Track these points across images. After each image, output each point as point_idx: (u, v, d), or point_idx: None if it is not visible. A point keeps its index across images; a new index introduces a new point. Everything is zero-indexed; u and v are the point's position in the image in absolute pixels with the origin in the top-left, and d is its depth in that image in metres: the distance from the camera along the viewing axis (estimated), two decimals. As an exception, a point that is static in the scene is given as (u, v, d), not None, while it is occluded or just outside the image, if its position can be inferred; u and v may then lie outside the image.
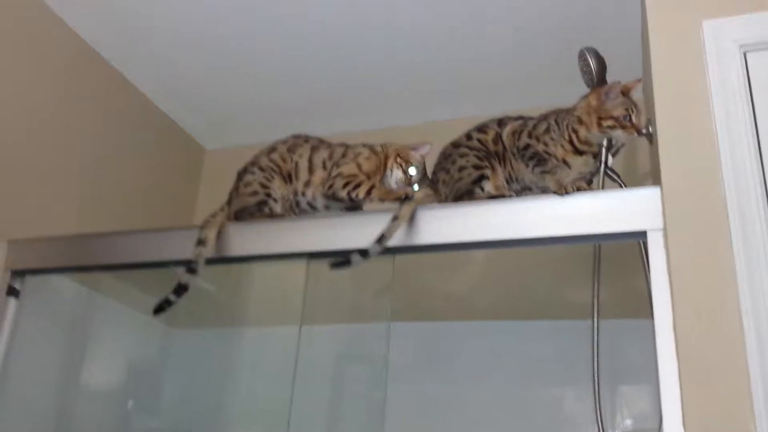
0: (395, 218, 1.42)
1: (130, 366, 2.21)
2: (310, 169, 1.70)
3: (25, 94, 1.94)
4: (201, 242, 1.57)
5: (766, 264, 1.15)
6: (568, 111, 1.52)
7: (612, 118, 1.44)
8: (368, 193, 1.58)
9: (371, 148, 1.69)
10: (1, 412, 1.70)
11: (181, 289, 1.52)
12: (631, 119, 1.43)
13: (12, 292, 1.76)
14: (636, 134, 1.45)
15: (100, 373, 2.09)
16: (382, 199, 1.56)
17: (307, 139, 1.76)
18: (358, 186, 1.60)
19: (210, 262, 1.63)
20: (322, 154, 1.71)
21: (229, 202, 1.71)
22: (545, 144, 1.50)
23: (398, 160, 1.63)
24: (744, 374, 1.10)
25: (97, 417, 2.05)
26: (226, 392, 2.20)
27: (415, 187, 1.62)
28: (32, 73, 1.97)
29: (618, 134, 1.46)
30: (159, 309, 1.52)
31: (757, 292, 1.14)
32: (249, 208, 1.66)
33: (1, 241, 1.78)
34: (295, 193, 1.69)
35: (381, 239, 1.40)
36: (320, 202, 1.68)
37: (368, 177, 1.62)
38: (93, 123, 2.19)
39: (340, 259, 1.41)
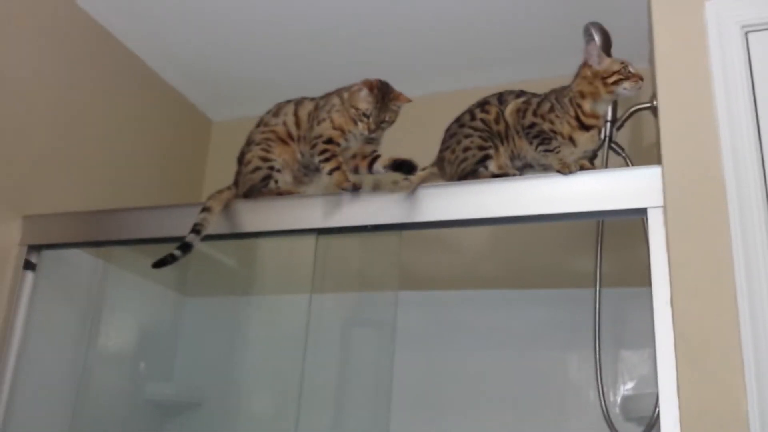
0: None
1: (144, 334, 2.28)
2: (298, 124, 1.71)
3: (34, 72, 1.95)
4: (206, 209, 1.61)
5: (762, 243, 1.19)
6: (566, 88, 1.54)
7: (615, 72, 1.48)
8: (330, 173, 1.58)
9: (339, 96, 1.66)
10: (22, 378, 1.76)
11: (185, 247, 1.54)
12: (629, 70, 1.47)
13: (29, 266, 1.82)
14: (641, 82, 1.48)
15: (116, 342, 2.15)
16: (335, 184, 1.57)
17: (290, 100, 1.77)
18: (327, 160, 1.59)
19: (221, 237, 1.68)
20: (308, 106, 1.72)
21: (236, 184, 1.73)
22: (551, 122, 1.51)
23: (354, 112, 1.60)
24: (737, 349, 1.15)
25: (114, 382, 2.13)
26: (239, 359, 2.26)
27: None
28: (40, 51, 1.98)
29: (626, 86, 1.47)
30: (160, 263, 1.52)
31: (753, 271, 1.18)
32: (255, 185, 1.68)
33: (17, 216, 1.83)
34: (301, 155, 1.70)
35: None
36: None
37: (342, 132, 1.61)
38: (102, 98, 2.20)
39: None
